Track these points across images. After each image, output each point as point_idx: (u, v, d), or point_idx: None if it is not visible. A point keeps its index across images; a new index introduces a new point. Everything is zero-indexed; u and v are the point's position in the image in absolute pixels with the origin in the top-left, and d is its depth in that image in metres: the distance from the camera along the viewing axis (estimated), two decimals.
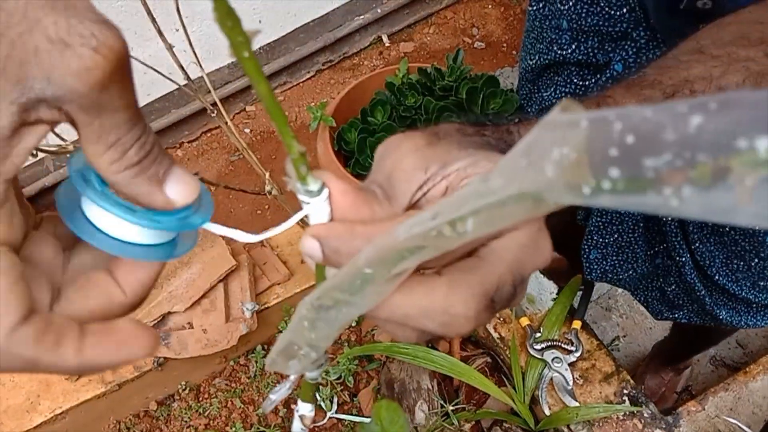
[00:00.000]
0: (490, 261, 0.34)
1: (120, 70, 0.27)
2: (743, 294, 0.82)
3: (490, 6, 2.43)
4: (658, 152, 0.17)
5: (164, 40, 0.63)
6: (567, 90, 0.83)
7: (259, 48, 2.15)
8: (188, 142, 2.23)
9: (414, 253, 0.28)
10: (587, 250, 0.91)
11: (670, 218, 0.80)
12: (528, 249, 0.35)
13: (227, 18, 0.25)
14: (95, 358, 0.29)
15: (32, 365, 0.28)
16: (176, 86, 0.74)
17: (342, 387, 1.21)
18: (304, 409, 0.46)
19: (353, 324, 1.27)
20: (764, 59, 0.43)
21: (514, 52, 2.31)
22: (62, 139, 0.61)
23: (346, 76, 2.27)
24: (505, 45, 2.33)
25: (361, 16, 2.24)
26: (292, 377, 0.43)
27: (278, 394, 0.44)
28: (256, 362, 1.26)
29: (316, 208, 0.33)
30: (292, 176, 0.32)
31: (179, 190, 0.30)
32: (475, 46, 2.33)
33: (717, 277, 0.81)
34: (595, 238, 0.89)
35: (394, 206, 0.36)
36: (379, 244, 0.28)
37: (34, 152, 0.56)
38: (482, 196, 0.24)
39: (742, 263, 0.80)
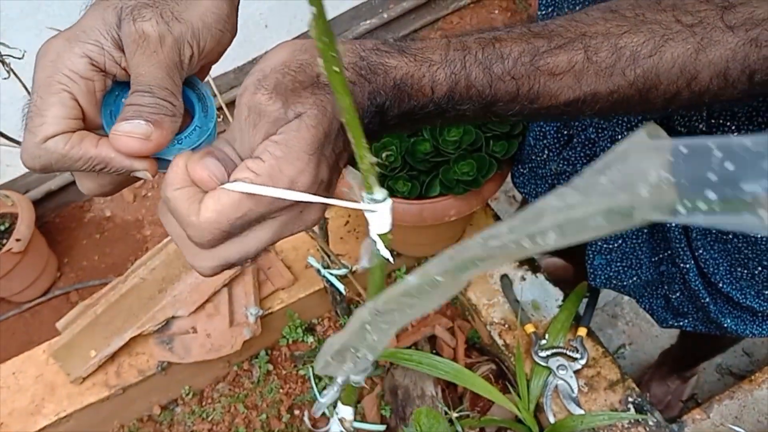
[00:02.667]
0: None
1: None
2: (747, 302, 0.81)
3: (496, 11, 2.43)
4: (755, 178, 0.20)
5: None
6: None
7: (265, 53, 2.15)
8: None
9: (485, 260, 0.30)
10: (591, 255, 0.91)
11: (674, 224, 0.80)
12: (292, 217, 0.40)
13: (324, 35, 0.27)
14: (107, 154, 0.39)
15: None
16: None
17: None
18: (345, 412, 0.47)
19: None
20: (673, 24, 0.43)
21: None
22: None
23: None
24: None
25: (367, 21, 2.24)
26: (339, 380, 0.44)
27: (327, 398, 0.45)
28: (260, 367, 1.25)
29: (380, 215, 0.35)
30: (354, 185, 0.35)
31: None
32: None
33: (721, 285, 0.81)
34: (600, 243, 0.89)
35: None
36: (454, 257, 0.30)
37: None
38: (561, 211, 0.26)
39: (746, 271, 0.79)
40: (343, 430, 0.48)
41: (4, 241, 1.80)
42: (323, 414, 0.51)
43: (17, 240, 1.75)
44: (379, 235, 0.35)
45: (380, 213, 0.35)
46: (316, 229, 0.97)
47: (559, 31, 0.44)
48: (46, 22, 1.65)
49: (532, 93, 0.44)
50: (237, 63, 2.13)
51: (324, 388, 0.50)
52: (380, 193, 0.34)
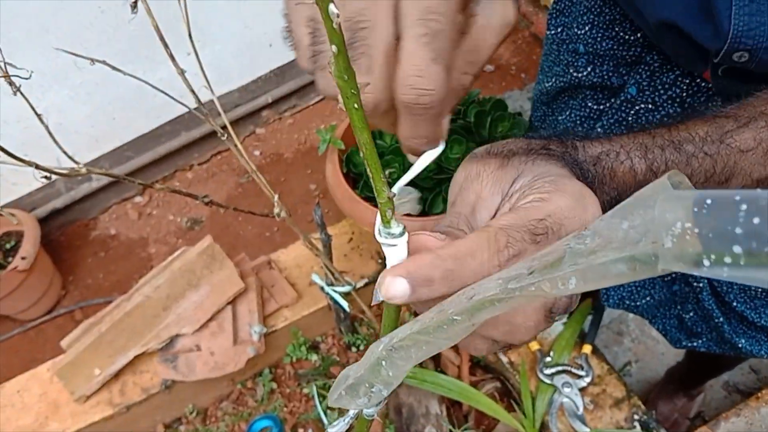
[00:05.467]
0: None
1: None
2: (762, 322, 0.81)
3: None
4: None
5: (176, 64, 0.64)
6: (581, 113, 0.84)
7: (270, 71, 2.17)
8: (198, 165, 2.24)
9: (503, 301, 0.30)
10: None
11: None
12: None
13: (345, 72, 0.28)
14: None
15: None
16: (187, 110, 0.74)
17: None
18: None
19: (359, 349, 1.26)
20: None
21: (523, 75, 2.32)
22: (75, 161, 0.62)
23: None
24: (513, 68, 2.35)
25: None
26: (351, 413, 0.44)
27: (337, 428, 0.45)
28: (263, 385, 1.25)
29: (398, 249, 0.35)
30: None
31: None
32: (485, 69, 2.34)
33: (735, 304, 0.80)
34: None
35: None
36: (473, 297, 0.30)
37: (48, 175, 0.57)
38: (581, 255, 0.27)
39: (759, 290, 0.79)
40: None
41: (10, 259, 1.80)
42: None
43: (22, 258, 1.76)
44: None
45: (399, 247, 0.35)
46: (319, 246, 0.97)
47: (737, 113, 0.46)
48: (54, 43, 1.67)
49: (726, 170, 0.45)
50: (241, 82, 2.15)
51: (328, 407, 0.50)
52: (398, 227, 0.35)
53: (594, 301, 1.13)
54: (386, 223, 0.34)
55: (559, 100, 0.88)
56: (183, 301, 1.14)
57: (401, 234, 0.35)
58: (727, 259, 0.21)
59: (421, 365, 1.21)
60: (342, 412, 0.44)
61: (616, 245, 0.25)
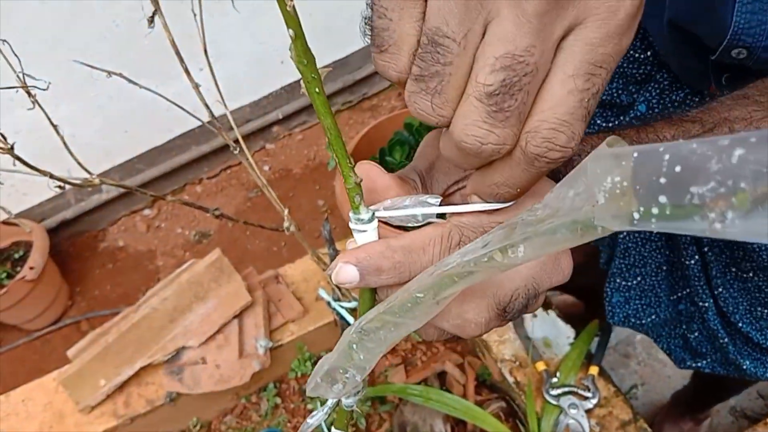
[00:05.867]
0: (506, 274, 0.35)
1: None
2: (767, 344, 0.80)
3: None
4: (704, 181, 0.19)
5: (191, 78, 0.65)
6: (589, 131, 0.84)
7: (281, 88, 2.19)
8: (208, 179, 2.26)
9: (464, 277, 0.30)
10: (610, 293, 0.90)
11: (693, 261, 0.79)
12: (547, 266, 0.37)
13: (304, 56, 0.28)
14: None
15: None
16: (198, 124, 0.75)
17: (354, 429, 1.19)
18: None
19: None
20: None
21: None
22: (89, 172, 0.63)
23: (365, 117, 2.30)
24: None
25: None
26: (329, 403, 0.44)
27: (315, 419, 0.45)
28: (268, 400, 1.25)
29: (368, 235, 0.35)
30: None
31: None
32: None
33: (740, 325, 0.80)
34: (618, 281, 0.88)
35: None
36: (433, 273, 0.31)
37: (60, 185, 0.57)
38: (530, 225, 0.27)
39: (766, 311, 0.78)
40: None
41: (18, 268, 1.81)
42: None
43: (31, 268, 1.77)
44: None
45: (368, 233, 0.35)
46: (327, 261, 0.97)
47: (701, 117, 0.46)
48: (67, 55, 1.69)
49: None
50: (253, 97, 2.17)
51: (332, 423, 0.50)
52: (366, 213, 0.35)
53: (601, 322, 1.13)
54: (355, 209, 0.35)
55: None
56: (190, 313, 1.14)
57: (370, 220, 0.35)
58: (655, 210, 0.21)
59: (426, 383, 1.20)
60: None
61: (563, 213, 0.25)
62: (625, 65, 0.77)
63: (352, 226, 0.35)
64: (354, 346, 0.35)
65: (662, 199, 0.21)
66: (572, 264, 0.38)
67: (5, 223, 1.89)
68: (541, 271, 0.37)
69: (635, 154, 0.22)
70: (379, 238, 0.36)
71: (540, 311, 1.18)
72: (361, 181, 0.34)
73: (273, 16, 1.92)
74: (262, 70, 2.09)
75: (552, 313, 1.18)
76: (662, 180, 0.20)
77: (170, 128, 2.08)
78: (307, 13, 2.03)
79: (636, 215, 0.22)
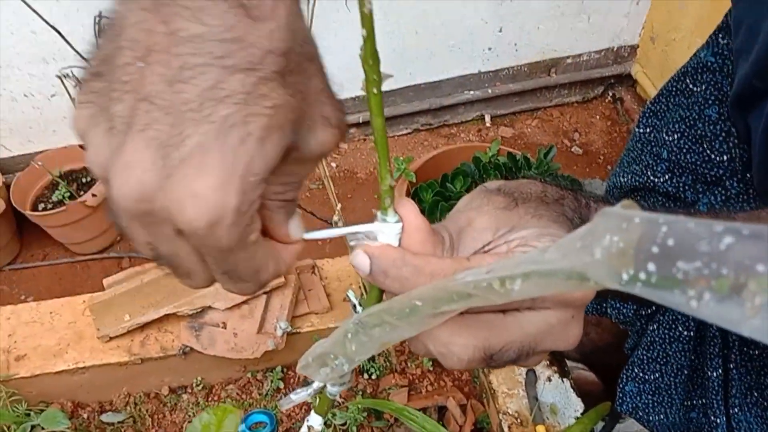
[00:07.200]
0: (508, 323, 0.36)
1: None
2: None
3: (597, 117, 2.45)
4: (691, 259, 0.20)
5: None
6: None
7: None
8: None
9: (463, 298, 0.31)
10: (624, 380, 0.89)
11: (715, 374, 0.78)
12: (555, 329, 0.37)
13: (371, 57, 0.30)
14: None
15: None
16: None
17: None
18: (315, 421, 0.48)
19: (372, 377, 1.27)
20: None
21: (609, 167, 2.31)
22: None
23: (440, 142, 2.33)
24: (601, 157, 2.34)
25: (471, 92, 2.31)
26: (315, 385, 0.46)
27: (298, 396, 0.47)
28: (272, 382, 1.27)
29: (386, 237, 0.37)
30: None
31: (294, 227, 0.39)
32: (573, 150, 2.34)
33: None
34: (636, 370, 0.87)
35: (455, 256, 0.39)
36: (435, 286, 0.32)
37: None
38: (535, 263, 0.28)
39: None
40: None
41: (82, 192, 1.90)
42: None
43: (93, 195, 1.85)
44: None
45: (388, 234, 0.37)
46: None
47: (744, 220, 0.46)
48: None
49: None
50: (340, 96, 2.22)
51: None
52: (393, 217, 0.37)
53: (614, 406, 1.11)
54: (384, 210, 0.37)
55: (631, 197, 0.88)
56: None
57: (396, 222, 0.37)
58: (642, 276, 0.22)
59: (424, 411, 1.21)
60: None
61: (566, 260, 0.26)
62: (698, 162, 0.76)
63: (375, 226, 0.37)
64: (349, 335, 0.37)
65: (651, 267, 0.22)
66: (581, 334, 0.39)
67: (82, 146, 1.98)
68: (546, 333, 0.37)
69: (637, 219, 0.23)
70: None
71: (556, 377, 1.17)
72: (395, 186, 0.36)
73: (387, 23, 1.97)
74: (356, 72, 2.14)
75: (567, 382, 1.17)
76: (654, 249, 0.21)
77: None
78: (413, 30, 2.08)
79: (625, 276, 0.23)
